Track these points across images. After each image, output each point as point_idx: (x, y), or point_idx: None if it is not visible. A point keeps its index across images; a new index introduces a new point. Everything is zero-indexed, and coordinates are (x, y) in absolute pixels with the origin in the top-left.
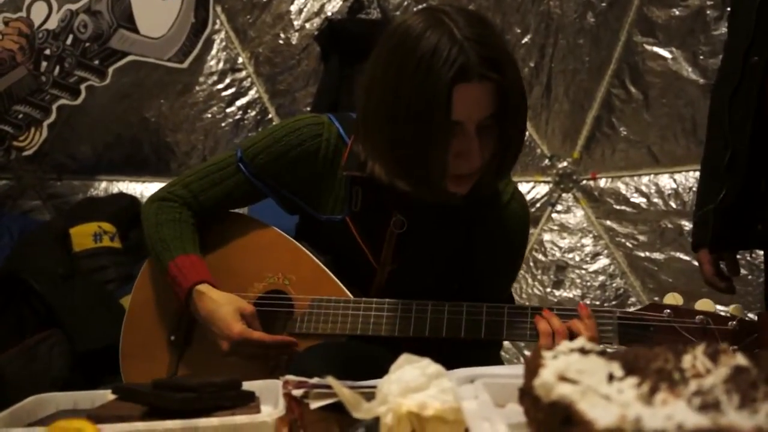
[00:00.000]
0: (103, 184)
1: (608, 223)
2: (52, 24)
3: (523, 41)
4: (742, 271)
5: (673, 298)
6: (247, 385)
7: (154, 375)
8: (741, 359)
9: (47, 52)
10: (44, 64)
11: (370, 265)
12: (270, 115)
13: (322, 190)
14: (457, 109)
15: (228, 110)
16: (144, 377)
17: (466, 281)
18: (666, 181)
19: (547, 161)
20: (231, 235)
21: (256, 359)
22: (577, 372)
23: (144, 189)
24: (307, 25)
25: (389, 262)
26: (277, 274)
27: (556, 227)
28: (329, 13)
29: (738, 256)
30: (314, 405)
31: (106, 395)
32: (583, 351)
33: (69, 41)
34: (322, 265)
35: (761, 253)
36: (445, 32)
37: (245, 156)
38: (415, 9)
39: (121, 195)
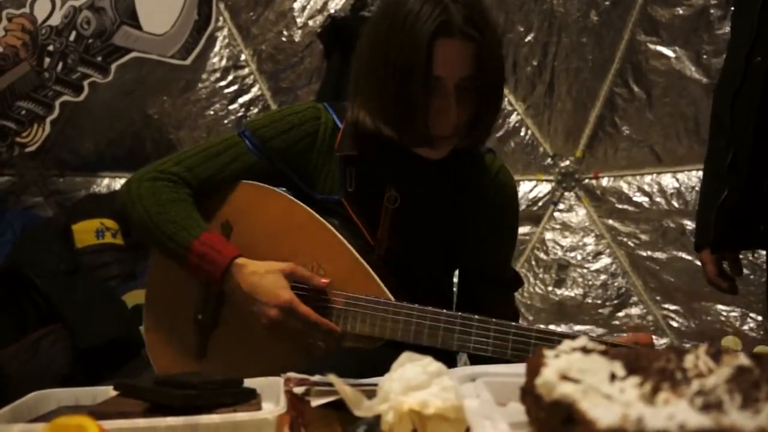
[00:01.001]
0: (106, 181)
1: (610, 222)
2: (56, 20)
3: (526, 39)
4: (744, 271)
5: (733, 342)
6: (248, 383)
7: (181, 355)
8: (743, 359)
9: (50, 48)
10: (47, 60)
11: (368, 244)
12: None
13: (319, 172)
14: (437, 63)
15: (230, 107)
16: (171, 357)
17: (465, 257)
18: (668, 181)
19: (549, 160)
20: (261, 211)
21: (295, 337)
22: (579, 371)
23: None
24: (310, 23)
25: (386, 239)
26: (312, 261)
27: (558, 226)
28: (332, 11)
29: (740, 256)
30: (315, 402)
31: (108, 391)
32: (585, 350)
33: (72, 37)
34: (360, 258)
35: (763, 253)
36: None
37: (248, 128)
38: None
39: None
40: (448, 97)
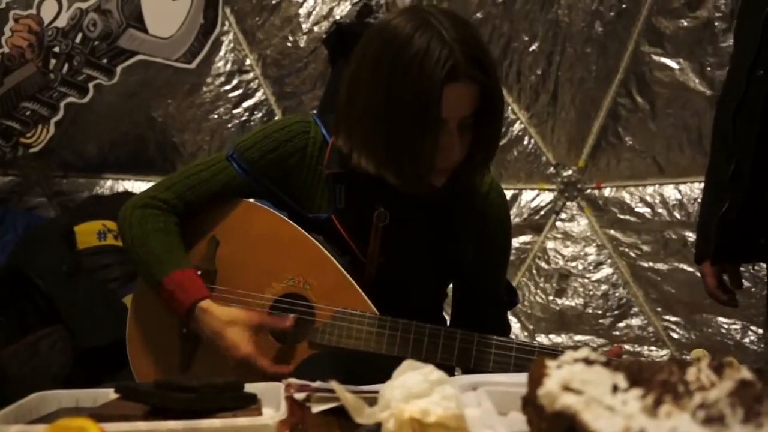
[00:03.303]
0: (109, 183)
1: (612, 232)
2: (62, 22)
3: (531, 49)
4: (745, 284)
5: (702, 354)
6: (249, 387)
7: (164, 367)
8: (746, 373)
9: (56, 49)
10: (53, 61)
11: (359, 261)
12: (276, 118)
13: (308, 189)
14: (445, 107)
15: (234, 111)
16: (154, 369)
17: (456, 274)
18: (671, 192)
19: (552, 169)
20: (249, 227)
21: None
22: (582, 382)
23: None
24: (316, 29)
25: (376, 256)
26: (298, 276)
27: (559, 235)
28: (338, 17)
29: (741, 269)
30: (316, 409)
31: (109, 394)
32: (587, 361)
33: (78, 39)
34: (345, 273)
35: (764, 266)
36: (434, 34)
37: (236, 151)
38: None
39: (127, 194)
40: (451, 136)
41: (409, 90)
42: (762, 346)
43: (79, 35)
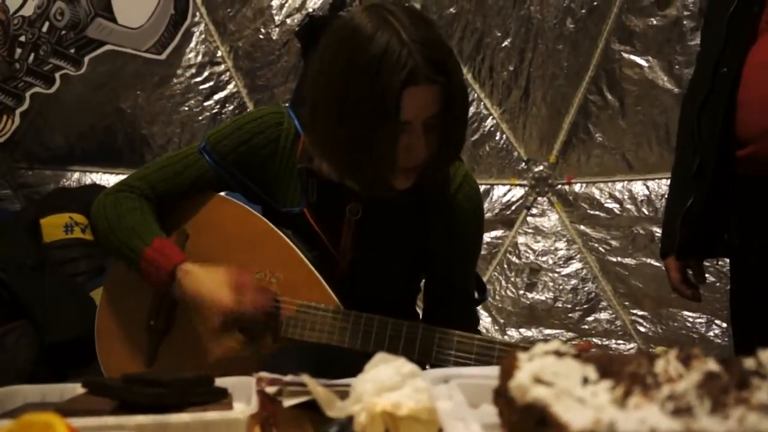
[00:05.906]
0: (76, 175)
1: (582, 227)
2: (28, 10)
3: (503, 45)
4: (710, 279)
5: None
6: (219, 382)
7: (131, 360)
8: (712, 365)
9: (22, 38)
10: (19, 50)
11: (331, 255)
12: (248, 110)
13: (280, 181)
14: (405, 110)
15: (205, 104)
16: (121, 362)
17: (427, 269)
18: (639, 188)
19: (523, 165)
20: (218, 220)
21: (246, 333)
22: (553, 374)
23: (117, 181)
24: (288, 21)
25: (349, 250)
26: (265, 270)
27: (530, 230)
28: (310, 9)
29: (706, 263)
30: (288, 403)
31: (76, 389)
32: (558, 354)
33: (45, 28)
34: (311, 267)
35: (728, 260)
36: (393, 34)
37: (208, 144)
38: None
39: (94, 186)
40: (416, 137)
41: (367, 94)
42: (726, 339)
43: (46, 24)
